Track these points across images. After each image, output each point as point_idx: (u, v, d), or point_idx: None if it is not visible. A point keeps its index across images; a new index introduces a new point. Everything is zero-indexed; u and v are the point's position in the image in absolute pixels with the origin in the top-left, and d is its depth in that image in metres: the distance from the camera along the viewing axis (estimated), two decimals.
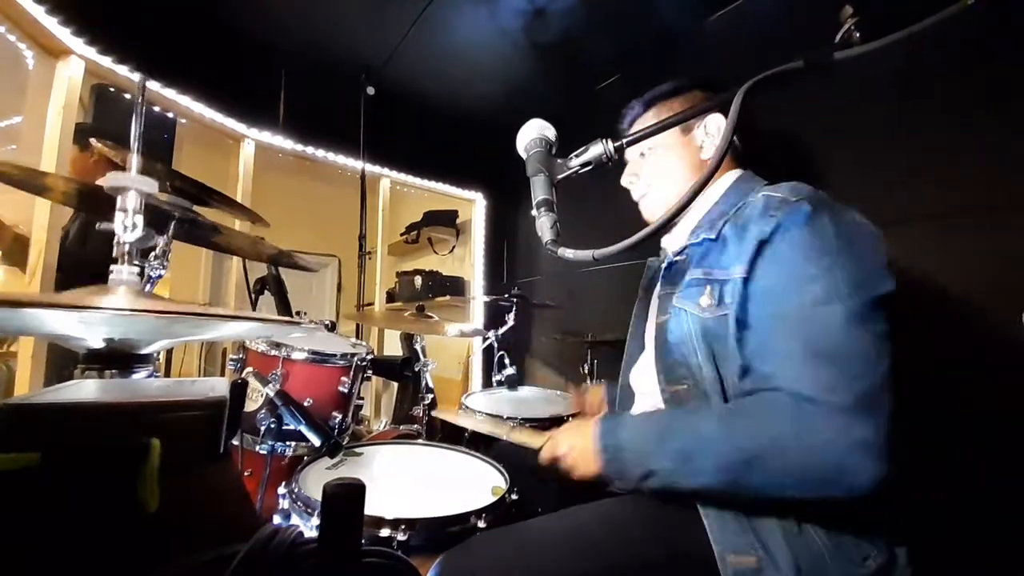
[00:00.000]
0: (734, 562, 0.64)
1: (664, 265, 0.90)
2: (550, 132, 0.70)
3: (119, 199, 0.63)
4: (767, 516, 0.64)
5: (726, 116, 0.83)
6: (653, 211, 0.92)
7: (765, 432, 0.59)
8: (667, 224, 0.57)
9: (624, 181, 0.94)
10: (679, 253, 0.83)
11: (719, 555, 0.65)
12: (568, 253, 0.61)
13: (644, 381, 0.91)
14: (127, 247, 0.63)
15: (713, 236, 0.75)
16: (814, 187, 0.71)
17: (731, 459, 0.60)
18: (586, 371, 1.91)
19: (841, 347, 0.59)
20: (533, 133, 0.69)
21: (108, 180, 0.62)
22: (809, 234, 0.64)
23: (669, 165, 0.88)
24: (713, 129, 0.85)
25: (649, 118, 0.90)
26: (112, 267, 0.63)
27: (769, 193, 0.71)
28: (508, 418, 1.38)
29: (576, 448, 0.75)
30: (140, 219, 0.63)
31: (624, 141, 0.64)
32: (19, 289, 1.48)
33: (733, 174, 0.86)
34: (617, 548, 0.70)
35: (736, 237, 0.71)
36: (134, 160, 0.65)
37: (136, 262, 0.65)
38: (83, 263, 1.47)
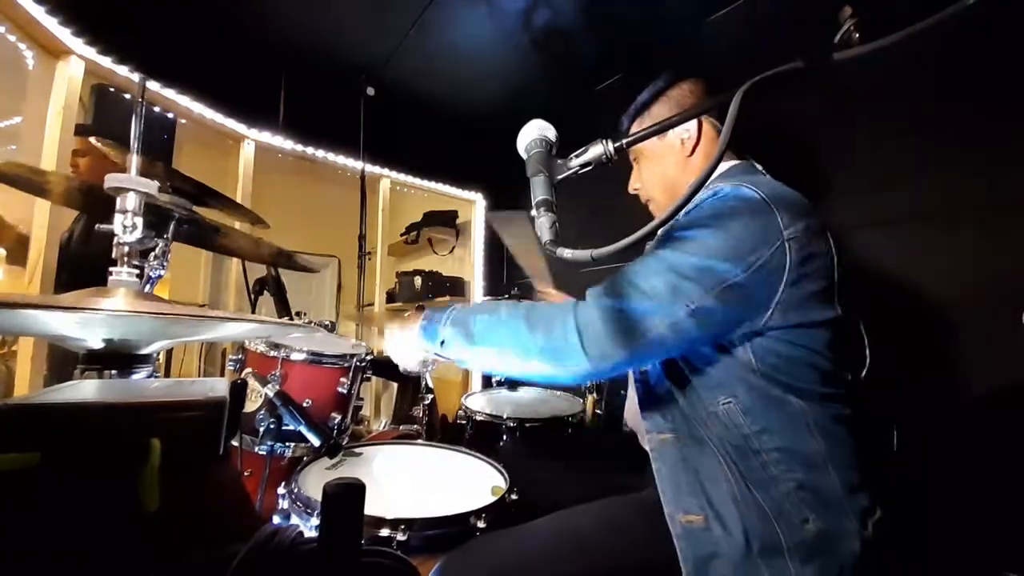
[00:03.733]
0: (683, 519, 0.67)
1: None
2: (550, 132, 0.70)
3: (119, 200, 0.63)
4: (717, 481, 0.67)
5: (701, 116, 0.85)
6: (659, 213, 0.93)
7: (530, 308, 0.71)
8: (659, 226, 0.57)
9: (631, 189, 0.99)
10: None
11: (669, 515, 0.68)
12: (566, 253, 0.61)
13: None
14: (127, 248, 0.64)
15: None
16: (757, 189, 0.70)
17: (495, 329, 0.71)
18: None
19: (633, 275, 0.66)
20: (533, 133, 0.69)
21: (108, 181, 0.62)
22: (707, 208, 0.68)
23: (658, 168, 0.91)
24: (689, 125, 0.86)
25: (634, 129, 0.92)
26: (111, 269, 0.63)
27: (717, 185, 0.72)
28: (508, 418, 1.38)
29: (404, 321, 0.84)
30: (140, 220, 0.64)
31: (614, 148, 0.64)
32: (19, 289, 1.48)
33: (723, 166, 0.84)
34: (616, 551, 0.71)
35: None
36: (134, 161, 0.65)
37: (136, 262, 0.65)
38: (86, 263, 1.47)
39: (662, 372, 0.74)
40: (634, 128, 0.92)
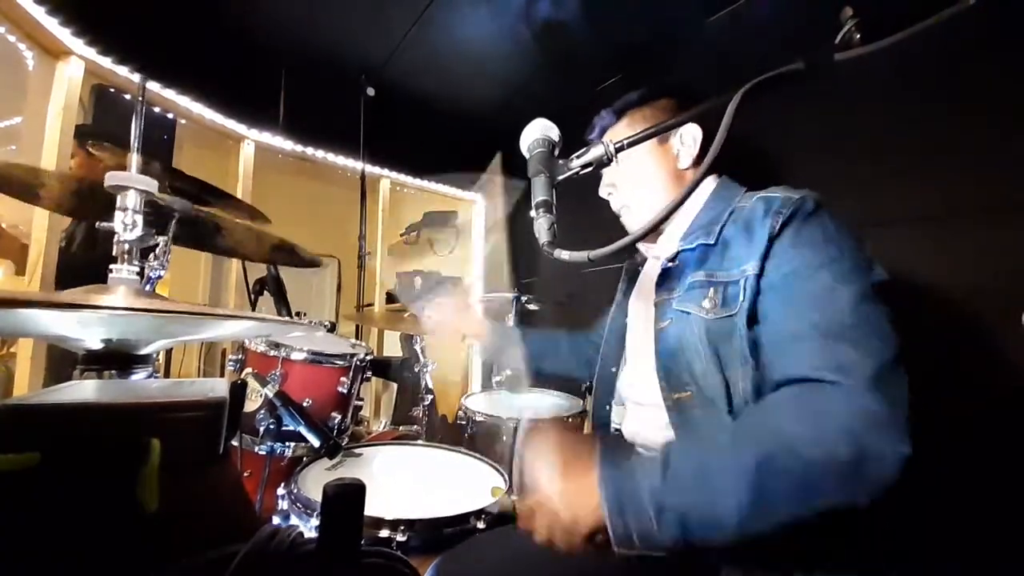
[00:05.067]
0: None
1: (658, 272, 0.90)
2: (553, 133, 0.70)
3: (119, 198, 0.63)
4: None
5: (701, 126, 0.84)
6: (637, 222, 0.90)
7: (776, 427, 0.53)
8: (656, 227, 0.57)
9: (602, 192, 0.93)
10: (672, 259, 0.82)
11: None
12: (564, 254, 0.61)
13: (639, 391, 0.86)
14: (127, 246, 0.64)
15: (711, 241, 0.75)
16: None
17: (747, 468, 0.51)
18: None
19: (853, 327, 0.58)
20: (537, 133, 0.69)
21: (108, 179, 0.63)
22: (814, 227, 0.67)
23: (647, 175, 0.87)
24: (689, 139, 0.85)
25: (621, 127, 0.89)
26: (111, 267, 0.63)
27: (767, 195, 0.72)
28: (508, 418, 1.38)
29: (566, 504, 0.58)
30: (140, 218, 0.64)
31: (615, 148, 0.64)
32: (18, 289, 1.48)
33: (712, 180, 0.86)
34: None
35: (742, 238, 0.71)
36: (134, 159, 0.66)
37: (136, 262, 0.66)
38: (93, 265, 1.47)
39: (716, 393, 0.67)
40: (623, 125, 0.89)
